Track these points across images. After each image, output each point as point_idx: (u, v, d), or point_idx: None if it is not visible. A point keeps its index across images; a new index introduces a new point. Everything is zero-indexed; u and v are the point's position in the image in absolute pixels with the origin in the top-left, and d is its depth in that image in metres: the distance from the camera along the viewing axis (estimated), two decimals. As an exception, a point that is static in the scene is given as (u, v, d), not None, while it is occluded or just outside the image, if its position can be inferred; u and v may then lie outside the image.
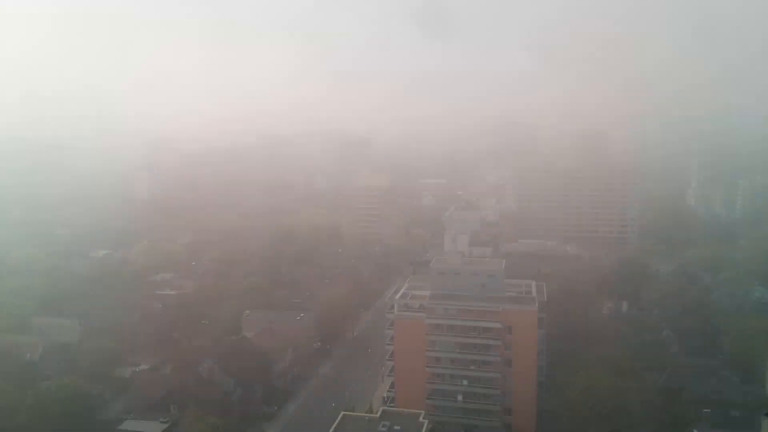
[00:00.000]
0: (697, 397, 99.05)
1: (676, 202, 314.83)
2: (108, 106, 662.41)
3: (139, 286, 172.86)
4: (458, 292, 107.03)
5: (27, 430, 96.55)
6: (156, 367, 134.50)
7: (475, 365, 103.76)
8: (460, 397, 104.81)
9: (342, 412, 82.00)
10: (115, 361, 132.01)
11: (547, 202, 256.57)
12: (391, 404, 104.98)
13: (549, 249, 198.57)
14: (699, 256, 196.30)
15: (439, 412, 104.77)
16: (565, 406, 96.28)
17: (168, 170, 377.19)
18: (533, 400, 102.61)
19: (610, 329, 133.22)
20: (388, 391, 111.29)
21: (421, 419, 77.59)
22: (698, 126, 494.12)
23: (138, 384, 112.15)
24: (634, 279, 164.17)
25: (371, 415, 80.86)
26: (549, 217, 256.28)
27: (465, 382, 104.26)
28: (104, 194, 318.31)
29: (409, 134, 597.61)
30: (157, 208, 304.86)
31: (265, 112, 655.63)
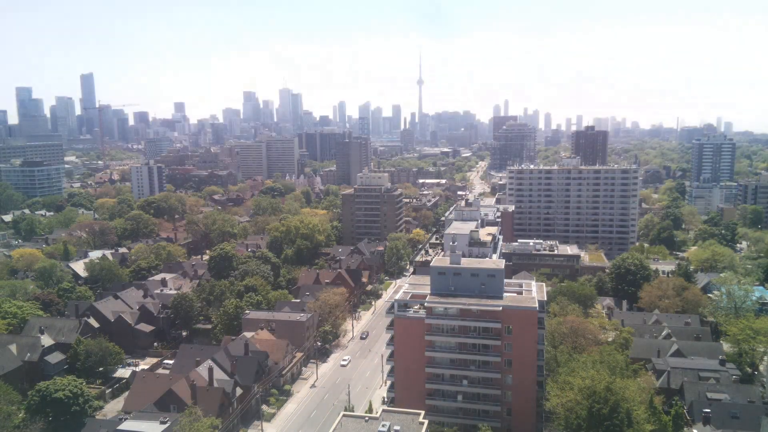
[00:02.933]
0: (697, 397, 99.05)
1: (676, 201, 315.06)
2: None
3: (138, 285, 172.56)
4: (458, 292, 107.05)
5: (27, 430, 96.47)
6: (155, 367, 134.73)
7: (475, 365, 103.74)
8: (460, 397, 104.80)
9: (342, 413, 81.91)
10: (115, 361, 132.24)
11: (547, 202, 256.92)
12: (391, 404, 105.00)
13: (549, 249, 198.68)
14: (699, 255, 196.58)
15: (439, 412, 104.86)
16: (565, 406, 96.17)
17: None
18: (533, 400, 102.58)
19: (610, 329, 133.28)
20: (388, 391, 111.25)
21: (421, 419, 77.46)
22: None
23: (137, 384, 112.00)
24: (633, 278, 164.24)
25: (371, 415, 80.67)
26: (549, 217, 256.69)
27: (465, 382, 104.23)
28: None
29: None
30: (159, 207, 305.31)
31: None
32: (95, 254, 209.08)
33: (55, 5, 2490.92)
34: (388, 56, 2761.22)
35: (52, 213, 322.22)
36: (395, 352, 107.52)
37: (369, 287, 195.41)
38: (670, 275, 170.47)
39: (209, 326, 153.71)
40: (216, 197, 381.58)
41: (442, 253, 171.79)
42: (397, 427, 74.19)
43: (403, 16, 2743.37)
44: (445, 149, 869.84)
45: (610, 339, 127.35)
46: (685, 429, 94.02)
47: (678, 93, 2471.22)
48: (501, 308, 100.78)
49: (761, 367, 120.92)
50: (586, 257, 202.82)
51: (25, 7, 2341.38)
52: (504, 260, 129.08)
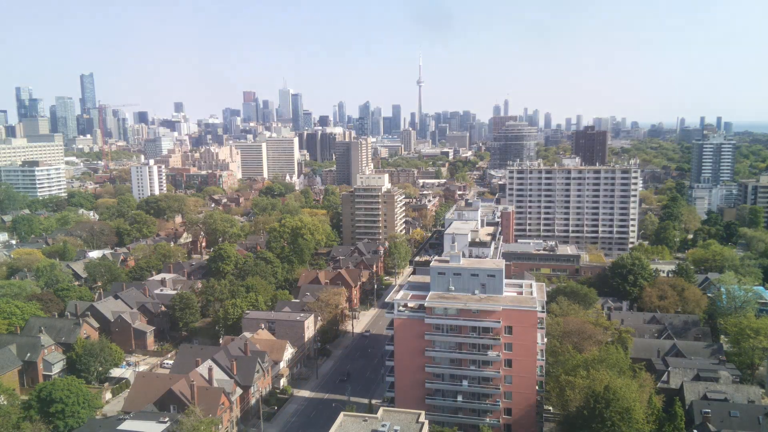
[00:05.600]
0: (697, 397, 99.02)
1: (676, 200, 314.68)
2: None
3: (138, 285, 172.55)
4: (458, 292, 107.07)
5: (27, 430, 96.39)
6: (155, 367, 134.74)
7: (475, 365, 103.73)
8: (460, 397, 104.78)
9: (342, 413, 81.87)
10: (115, 360, 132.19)
11: (547, 202, 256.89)
12: (391, 404, 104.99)
13: (548, 249, 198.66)
14: (699, 255, 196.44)
15: (439, 412, 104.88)
16: (565, 405, 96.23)
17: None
18: (533, 400, 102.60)
19: (610, 329, 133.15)
20: (388, 391, 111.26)
21: (421, 419, 77.50)
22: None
23: (137, 384, 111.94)
24: (633, 278, 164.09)
25: (371, 415, 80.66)
26: (549, 217, 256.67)
27: (465, 382, 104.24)
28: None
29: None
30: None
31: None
32: (95, 254, 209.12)
33: (55, 5, 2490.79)
34: (387, 56, 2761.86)
35: (52, 213, 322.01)
36: (395, 352, 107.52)
37: (369, 287, 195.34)
38: (670, 275, 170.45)
39: (209, 326, 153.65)
40: (216, 197, 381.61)
41: (443, 253, 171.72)
42: (396, 427, 74.21)
43: (403, 16, 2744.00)
44: (445, 149, 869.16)
45: (609, 339, 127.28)
46: (684, 429, 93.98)
47: (678, 93, 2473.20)
48: (501, 308, 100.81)
49: (761, 367, 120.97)
50: (586, 257, 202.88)
51: (25, 7, 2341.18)
52: (504, 260, 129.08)
